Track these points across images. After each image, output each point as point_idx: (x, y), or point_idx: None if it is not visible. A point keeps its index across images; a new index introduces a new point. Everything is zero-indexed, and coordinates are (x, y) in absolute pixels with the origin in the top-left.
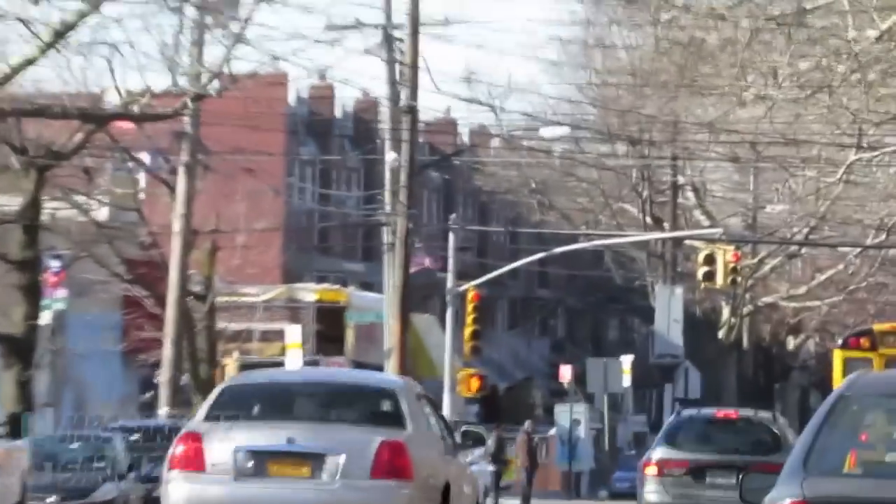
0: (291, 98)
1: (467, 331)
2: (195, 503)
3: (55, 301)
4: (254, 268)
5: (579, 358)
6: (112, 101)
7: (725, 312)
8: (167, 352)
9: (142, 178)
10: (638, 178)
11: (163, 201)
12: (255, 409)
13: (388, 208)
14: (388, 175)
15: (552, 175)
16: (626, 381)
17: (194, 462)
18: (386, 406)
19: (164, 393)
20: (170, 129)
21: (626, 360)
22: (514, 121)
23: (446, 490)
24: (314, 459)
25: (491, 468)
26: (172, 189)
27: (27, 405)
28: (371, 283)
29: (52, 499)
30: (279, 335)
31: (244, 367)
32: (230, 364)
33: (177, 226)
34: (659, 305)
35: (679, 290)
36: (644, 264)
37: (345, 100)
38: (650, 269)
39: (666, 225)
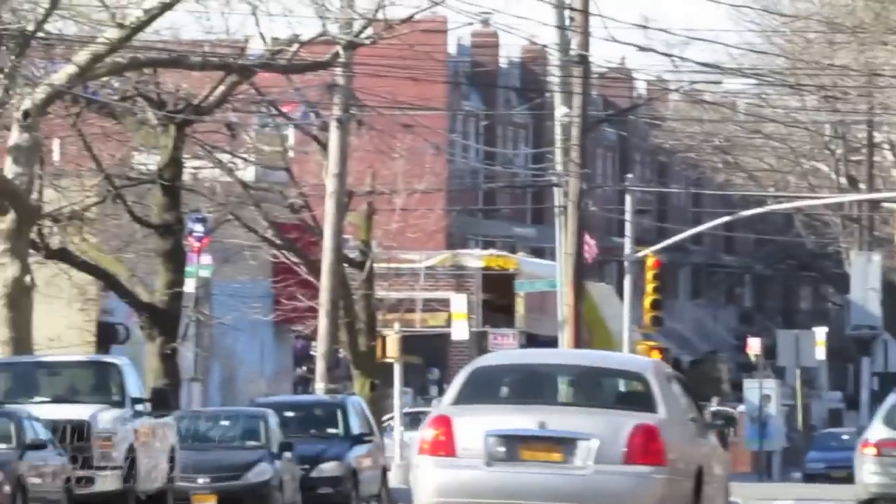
0: (452, 46)
1: (647, 300)
2: (447, 489)
3: (200, 268)
4: (414, 232)
5: (769, 330)
6: (257, 50)
7: None
8: (322, 323)
9: (291, 134)
10: (831, 135)
11: (314, 160)
12: (504, 392)
13: (559, 167)
14: (558, 131)
15: (737, 132)
16: (820, 354)
17: (445, 447)
18: (637, 388)
19: (319, 366)
20: (320, 80)
21: (820, 332)
22: (694, 72)
23: (699, 473)
24: (566, 444)
25: None
26: (324, 146)
27: (173, 379)
28: (542, 249)
29: (203, 479)
30: (443, 304)
31: (406, 338)
32: (391, 336)
33: (330, 186)
34: (854, 273)
35: (876, 257)
36: (838, 228)
37: (510, 48)
38: (845, 234)
39: (862, 186)
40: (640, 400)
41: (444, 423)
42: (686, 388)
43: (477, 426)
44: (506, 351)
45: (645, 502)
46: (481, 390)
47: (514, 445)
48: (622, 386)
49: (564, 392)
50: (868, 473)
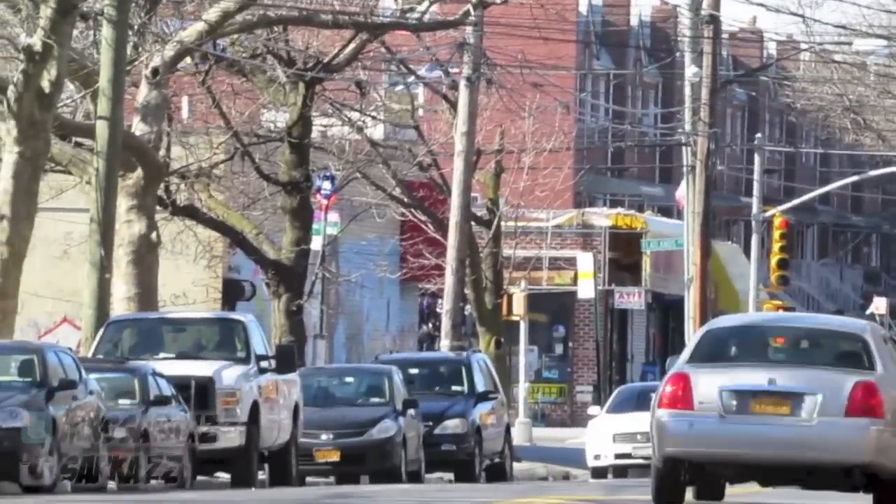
0: (583, 6)
1: (774, 259)
2: (686, 439)
3: (327, 225)
4: (542, 191)
5: (895, 289)
6: (388, 8)
7: None
8: (449, 280)
9: (420, 92)
10: None
11: (443, 118)
12: (735, 351)
13: (687, 127)
14: (688, 91)
15: (867, 92)
16: None
17: (683, 401)
18: (856, 348)
19: (445, 324)
20: (451, 39)
21: None
22: (826, 32)
23: None
24: (794, 398)
25: None
26: (453, 105)
27: (298, 336)
28: (669, 208)
29: (326, 436)
30: (570, 263)
31: (532, 296)
32: (517, 293)
33: (459, 145)
34: None
35: None
36: None
37: (641, 7)
38: None
39: None
40: (859, 359)
41: (683, 379)
42: None
43: (712, 382)
44: (735, 315)
45: (864, 451)
46: (714, 350)
47: (746, 399)
48: (843, 346)
49: (790, 352)
50: None
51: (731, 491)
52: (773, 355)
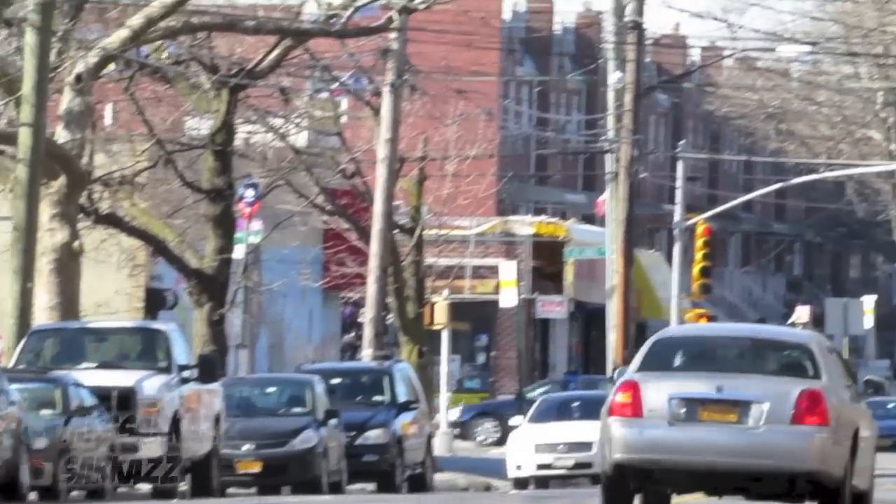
0: (507, 12)
1: (696, 267)
2: (635, 446)
3: (249, 233)
4: (465, 198)
5: (817, 297)
6: (311, 14)
7: None
8: (371, 289)
9: (344, 100)
10: (883, 103)
11: (366, 125)
12: (684, 360)
13: (611, 134)
14: (611, 97)
15: (790, 99)
16: (869, 322)
17: (632, 408)
18: (802, 358)
19: (367, 333)
20: (375, 45)
21: (869, 301)
22: (749, 39)
23: (855, 434)
24: (741, 406)
25: None
26: (377, 112)
27: (220, 346)
28: (593, 216)
29: (248, 446)
30: (493, 271)
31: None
32: (439, 302)
33: (382, 152)
34: None
35: None
36: (889, 196)
37: (565, 14)
38: (895, 202)
39: None
40: (805, 368)
41: (633, 387)
42: (841, 359)
43: (661, 390)
44: (682, 325)
45: (810, 458)
46: (663, 359)
47: (695, 407)
48: (789, 356)
49: (738, 361)
50: None
51: (677, 501)
52: (721, 364)
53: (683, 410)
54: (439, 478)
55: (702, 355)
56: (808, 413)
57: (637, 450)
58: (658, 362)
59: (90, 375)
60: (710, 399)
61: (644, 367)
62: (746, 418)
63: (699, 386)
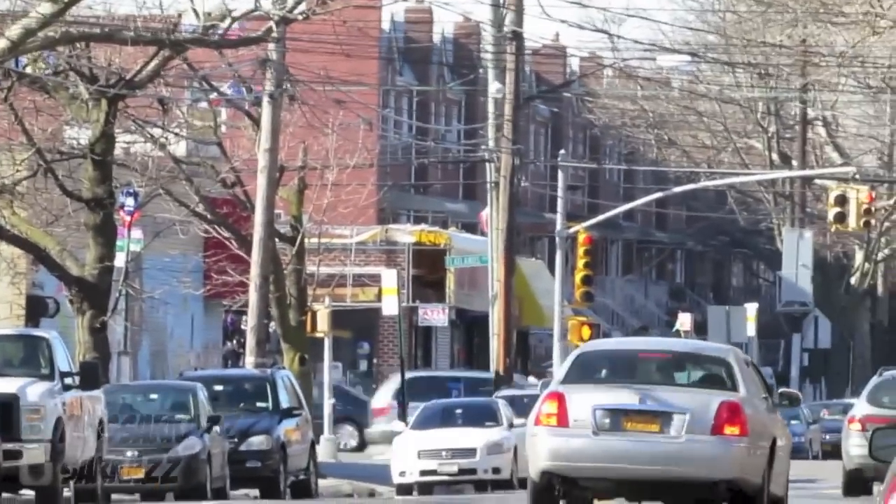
0: (385, 22)
1: (578, 276)
2: (561, 454)
3: (130, 242)
4: (346, 207)
5: (700, 305)
6: (190, 25)
7: (858, 257)
8: (252, 297)
9: (223, 110)
10: (764, 112)
11: (246, 135)
12: (607, 373)
13: (491, 143)
14: (491, 107)
15: (671, 108)
16: (751, 330)
17: (558, 418)
18: (720, 371)
19: (250, 341)
20: (253, 55)
21: (751, 308)
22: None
23: (773, 444)
24: (663, 417)
25: None
26: (256, 122)
27: (102, 353)
28: (473, 225)
29: (132, 452)
30: (374, 280)
31: (336, 313)
32: (321, 310)
33: (262, 161)
34: (786, 250)
35: (808, 234)
36: (770, 205)
37: (444, 24)
38: (777, 211)
39: (794, 163)
40: (723, 381)
41: (558, 398)
42: (758, 372)
43: (586, 401)
44: (604, 339)
45: (730, 466)
46: (587, 371)
47: (619, 417)
48: (708, 368)
49: (659, 373)
50: (854, 446)
51: None
52: (643, 377)
53: (608, 420)
54: (323, 484)
55: (625, 368)
56: (727, 423)
57: (563, 458)
58: (582, 374)
59: None
60: (633, 410)
61: (569, 378)
62: (668, 428)
63: (623, 397)
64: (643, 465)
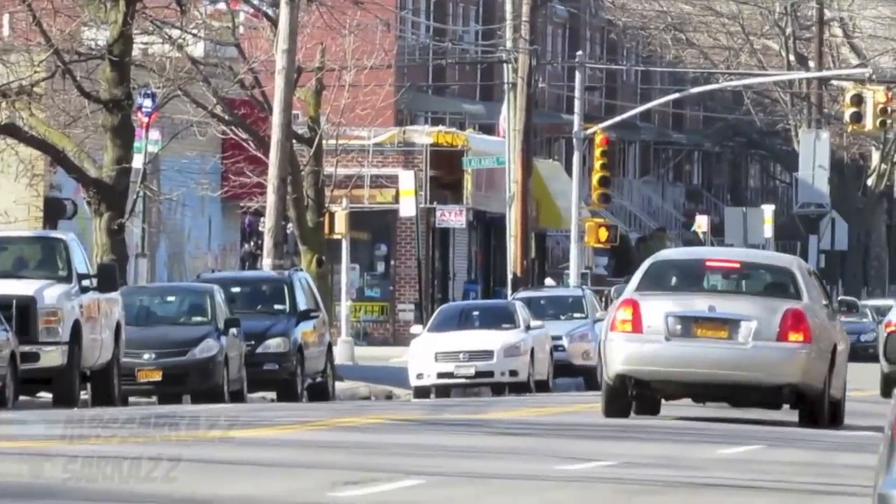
0: None
1: (595, 177)
2: (635, 358)
3: (148, 143)
4: (363, 109)
5: (716, 207)
6: None
7: (875, 158)
8: (270, 198)
9: (241, 11)
10: (781, 13)
11: (264, 36)
12: (678, 281)
13: (508, 44)
14: (508, 7)
15: (688, 9)
16: (768, 231)
17: (632, 325)
18: (785, 280)
19: (267, 243)
20: None
21: (768, 210)
22: None
23: (833, 349)
24: (731, 324)
25: None
26: (274, 23)
27: (120, 255)
28: (491, 126)
29: (149, 355)
30: (391, 181)
31: (353, 214)
32: (338, 212)
33: (279, 62)
34: (803, 151)
35: (825, 135)
36: (787, 106)
37: None
38: (794, 112)
39: (811, 64)
40: (788, 289)
41: (633, 305)
42: (819, 281)
43: (658, 308)
44: (674, 248)
45: (793, 371)
46: (659, 280)
47: (689, 324)
48: (774, 278)
49: (728, 282)
50: (892, 350)
51: (665, 405)
52: (712, 285)
53: (679, 327)
54: (340, 386)
55: (694, 277)
56: (792, 330)
57: (637, 362)
58: (654, 283)
59: None
60: (703, 317)
61: (642, 286)
62: (736, 335)
63: (693, 305)
64: (712, 369)
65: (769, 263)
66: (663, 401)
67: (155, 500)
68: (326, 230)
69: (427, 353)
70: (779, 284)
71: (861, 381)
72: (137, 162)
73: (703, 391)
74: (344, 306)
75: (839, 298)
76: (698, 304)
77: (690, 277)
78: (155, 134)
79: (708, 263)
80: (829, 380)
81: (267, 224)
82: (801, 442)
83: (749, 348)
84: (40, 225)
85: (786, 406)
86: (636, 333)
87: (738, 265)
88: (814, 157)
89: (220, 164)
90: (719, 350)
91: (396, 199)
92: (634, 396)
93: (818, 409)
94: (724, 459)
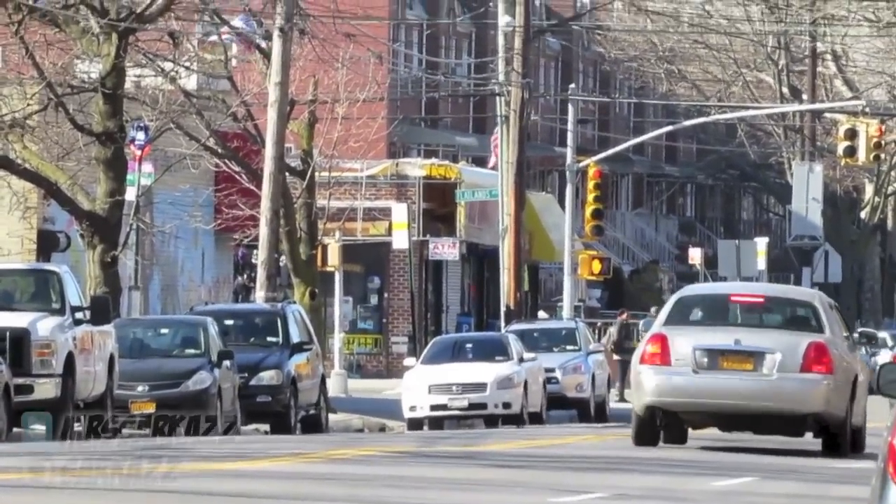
0: None
1: (588, 210)
2: (664, 390)
3: (141, 176)
4: (356, 141)
5: (710, 239)
6: None
7: (868, 191)
8: (263, 231)
9: (233, 43)
10: (774, 46)
11: (257, 69)
12: (704, 315)
13: (501, 77)
14: (501, 41)
15: (681, 41)
16: (761, 264)
17: (661, 357)
18: (808, 313)
19: (260, 275)
20: None
21: (761, 242)
22: None
23: (854, 380)
24: (756, 356)
25: (616, 358)
26: (267, 55)
27: (113, 288)
28: (483, 158)
29: (142, 387)
30: (384, 213)
31: (346, 247)
32: (331, 244)
33: (272, 95)
34: (796, 183)
35: (818, 167)
36: (780, 139)
37: None
38: (787, 145)
39: (804, 96)
40: (810, 322)
41: (661, 339)
42: (839, 314)
43: (686, 342)
44: (702, 284)
45: (817, 401)
46: (686, 314)
47: (716, 357)
48: (797, 311)
49: (751, 316)
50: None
51: (692, 433)
52: (737, 319)
53: (706, 360)
54: (334, 418)
55: (720, 311)
56: (815, 363)
57: (666, 393)
58: (682, 317)
59: None
60: (729, 350)
61: (670, 321)
62: (761, 367)
63: (719, 338)
64: (738, 400)
65: (792, 298)
66: (690, 430)
67: None
68: (319, 262)
69: (420, 385)
70: (801, 318)
71: (882, 412)
72: (130, 194)
73: (730, 421)
74: (337, 339)
75: (859, 330)
76: (724, 338)
77: (716, 312)
78: (148, 166)
79: (733, 298)
80: (851, 408)
81: (260, 256)
82: (794, 474)
83: (774, 379)
84: (34, 257)
85: (808, 434)
86: (665, 366)
87: (762, 300)
88: (807, 189)
89: (213, 197)
90: (745, 381)
91: (389, 231)
92: (663, 426)
93: (840, 437)
94: (717, 491)
